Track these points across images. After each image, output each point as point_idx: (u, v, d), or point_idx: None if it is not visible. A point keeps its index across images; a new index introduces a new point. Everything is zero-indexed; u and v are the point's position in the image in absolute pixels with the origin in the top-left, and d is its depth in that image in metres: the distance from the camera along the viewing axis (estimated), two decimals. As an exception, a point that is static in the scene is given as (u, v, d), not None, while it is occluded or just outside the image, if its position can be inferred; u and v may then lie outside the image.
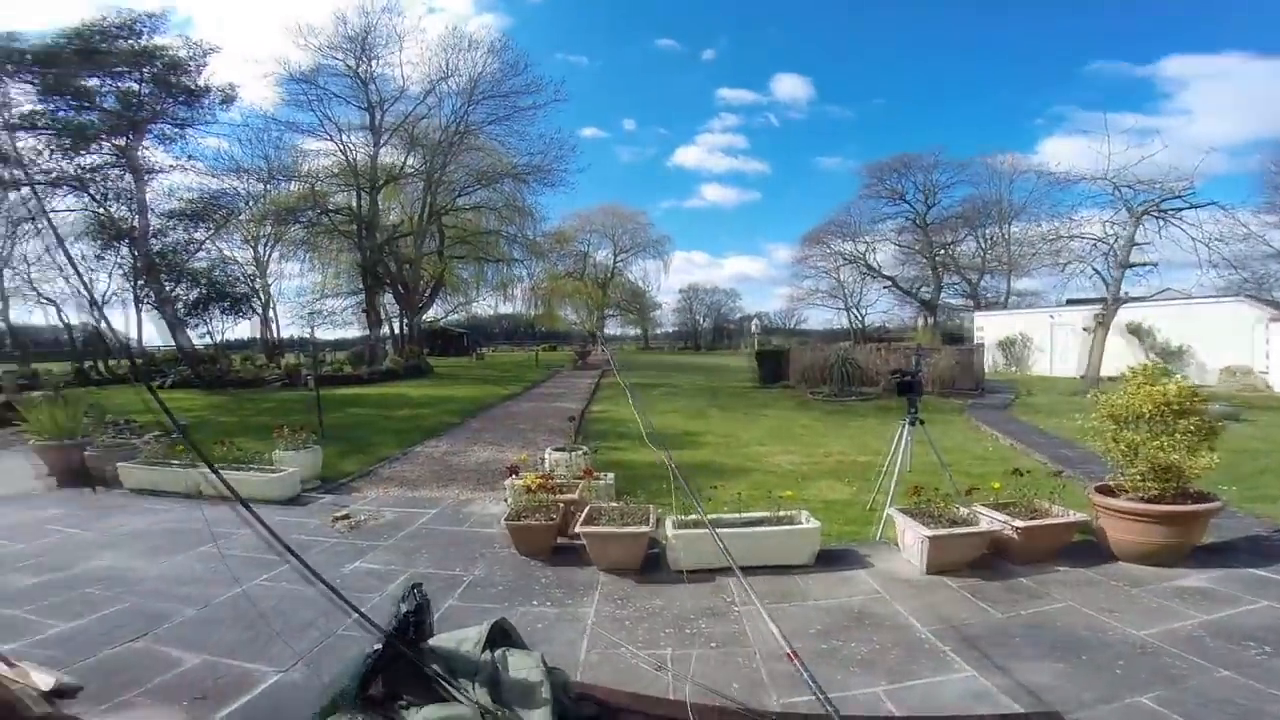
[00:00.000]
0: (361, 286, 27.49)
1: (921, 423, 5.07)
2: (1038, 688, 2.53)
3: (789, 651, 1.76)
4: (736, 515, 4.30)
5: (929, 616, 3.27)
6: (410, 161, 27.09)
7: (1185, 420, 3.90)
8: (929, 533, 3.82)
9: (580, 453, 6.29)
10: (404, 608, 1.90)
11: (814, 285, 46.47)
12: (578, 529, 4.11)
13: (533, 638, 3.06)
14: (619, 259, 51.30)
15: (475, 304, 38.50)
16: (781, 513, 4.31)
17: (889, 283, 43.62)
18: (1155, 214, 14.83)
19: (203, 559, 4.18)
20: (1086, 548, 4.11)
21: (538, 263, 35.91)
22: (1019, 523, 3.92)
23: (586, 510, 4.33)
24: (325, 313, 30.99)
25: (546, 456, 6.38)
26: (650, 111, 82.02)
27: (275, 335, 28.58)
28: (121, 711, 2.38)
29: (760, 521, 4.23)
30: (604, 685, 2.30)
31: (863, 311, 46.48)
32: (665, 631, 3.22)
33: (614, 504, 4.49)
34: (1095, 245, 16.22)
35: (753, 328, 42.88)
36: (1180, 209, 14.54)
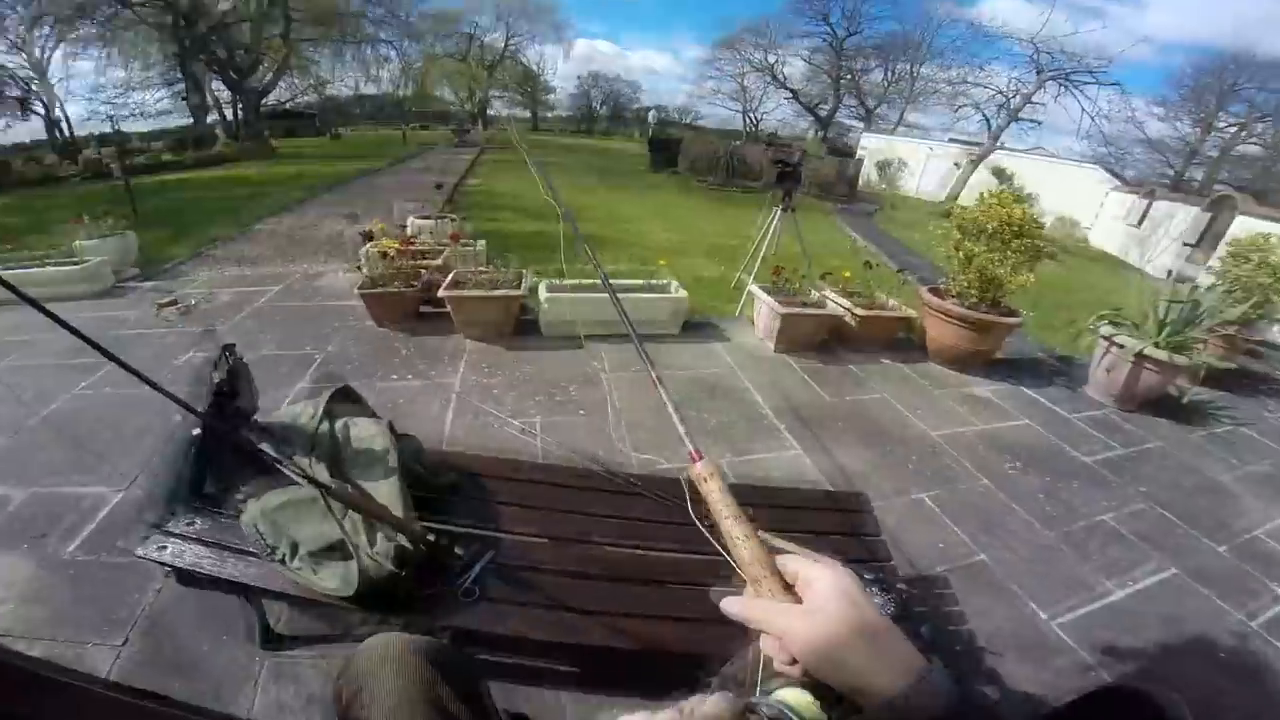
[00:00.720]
0: (180, 76, 22.21)
1: (793, 210, 5.19)
2: (850, 473, 2.93)
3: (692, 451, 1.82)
4: (612, 282, 4.27)
5: (772, 394, 3.63)
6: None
7: (1019, 240, 4.29)
8: (782, 310, 4.12)
9: (448, 220, 5.73)
10: (215, 377, 1.57)
11: (717, 86, 44.88)
12: (441, 292, 3.86)
13: (395, 412, 2.92)
14: (512, 42, 43.33)
15: (331, 86, 32.35)
16: (654, 281, 4.42)
17: (791, 95, 42.85)
18: (1061, 81, 15.23)
19: (6, 374, 3.39)
20: (908, 344, 4.67)
21: (412, 44, 30.91)
22: (860, 311, 4.34)
23: (452, 275, 4.06)
24: (133, 106, 25.29)
25: (409, 223, 5.75)
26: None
27: (68, 134, 21.95)
28: (-39, 570, 1.99)
29: (634, 290, 4.33)
30: (465, 452, 2.28)
31: (759, 117, 46.01)
32: (535, 399, 3.27)
33: (484, 269, 4.26)
34: (994, 95, 16.75)
35: (650, 118, 40.56)
36: (1086, 83, 15.07)
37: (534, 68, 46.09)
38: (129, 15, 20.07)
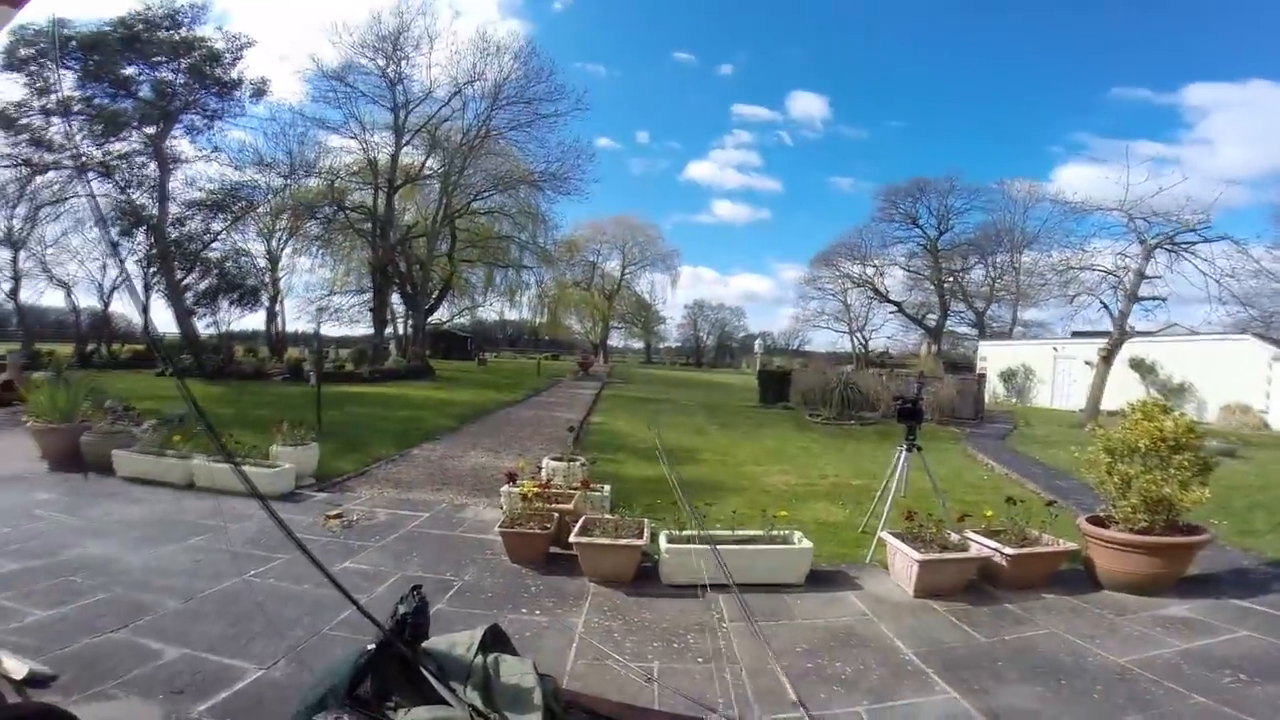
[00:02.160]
0: (371, 285, 27.71)
1: (919, 449, 5.10)
2: (1017, 712, 2.55)
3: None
4: (730, 532, 4.32)
5: (914, 639, 3.30)
6: (430, 163, 27.49)
7: (1180, 455, 3.93)
8: (919, 556, 3.86)
9: (578, 463, 6.32)
10: (402, 609, 1.90)
11: (820, 307, 46.15)
12: (572, 539, 4.14)
13: (522, 645, 3.06)
14: (627, 271, 51.51)
15: (482, 308, 39.18)
16: (775, 532, 4.34)
17: (895, 308, 43.39)
18: (1168, 247, 14.48)
19: (190, 551, 4.20)
20: (1074, 576, 4.14)
21: (547, 270, 36.52)
22: (1009, 550, 3.96)
23: (581, 521, 4.36)
24: (333, 309, 31.53)
25: (544, 465, 6.42)
26: (665, 124, 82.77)
27: (281, 329, 28.81)
28: (97, 702, 2.37)
29: (754, 540, 4.26)
30: (592, 694, 2.33)
31: (867, 335, 45.97)
32: (654, 644, 3.24)
33: (609, 516, 4.53)
34: (1105, 277, 15.83)
35: (756, 347, 43.07)
36: (1193, 243, 14.13)
37: (646, 297, 51.88)
38: (343, 218, 25.54)
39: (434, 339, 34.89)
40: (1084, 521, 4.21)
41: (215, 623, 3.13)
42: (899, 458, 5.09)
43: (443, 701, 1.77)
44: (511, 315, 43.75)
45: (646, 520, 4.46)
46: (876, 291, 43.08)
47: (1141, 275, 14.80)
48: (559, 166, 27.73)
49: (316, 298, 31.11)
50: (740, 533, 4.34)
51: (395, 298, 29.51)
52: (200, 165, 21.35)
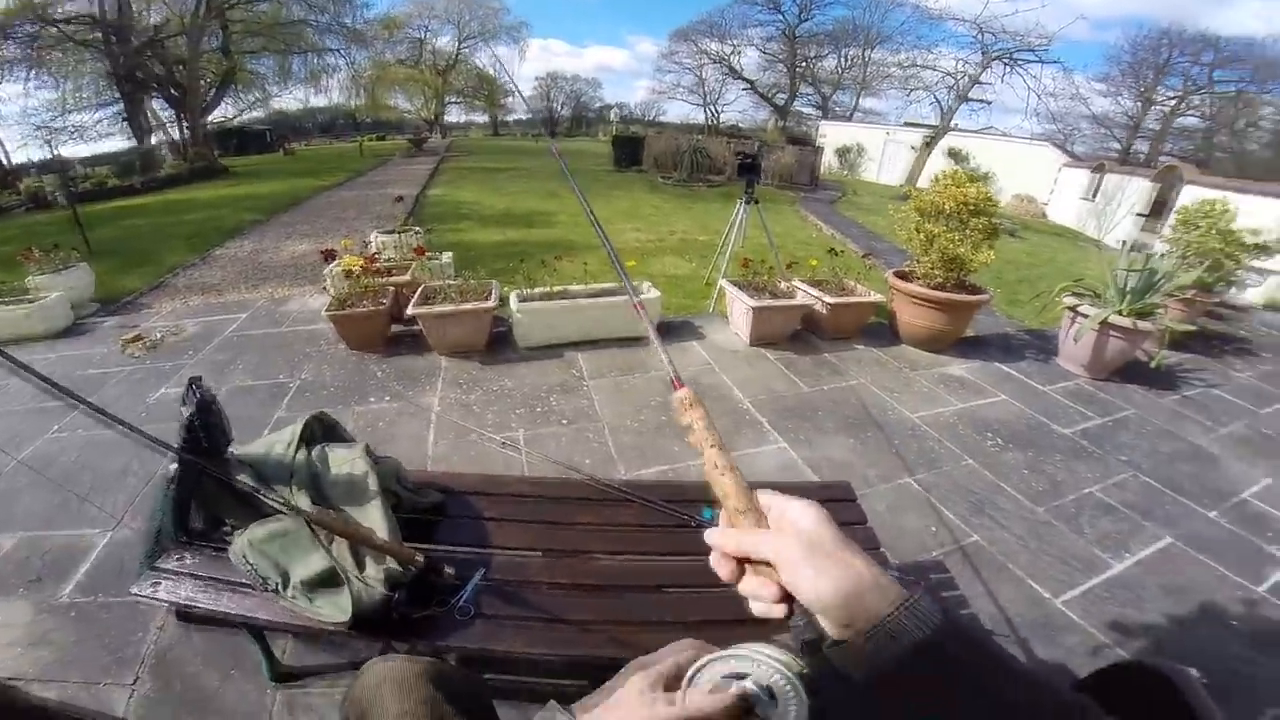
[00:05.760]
0: (120, 95, 21.83)
1: (757, 202, 5.21)
2: (834, 463, 2.90)
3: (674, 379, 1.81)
4: (583, 287, 4.35)
5: (751, 388, 3.65)
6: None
7: (977, 219, 4.38)
8: (753, 303, 4.16)
9: (412, 233, 5.65)
10: (185, 412, 1.52)
11: (676, 80, 45.87)
12: (410, 310, 3.82)
13: (376, 435, 2.94)
14: (464, 45, 43.41)
15: (278, 100, 32.11)
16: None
17: (748, 86, 43.90)
18: (1006, 61, 15.76)
19: None
20: (880, 329, 4.76)
21: (360, 50, 30.86)
22: (829, 299, 4.38)
23: (420, 290, 4.02)
24: (71, 129, 24.56)
25: (372, 239, 5.66)
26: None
27: (4, 161, 21.09)
28: (-38, 620, 1.95)
29: (605, 294, 4.31)
30: (450, 471, 2.25)
31: (719, 110, 47.12)
32: (516, 412, 3.25)
33: (451, 282, 4.21)
34: (943, 78, 17.41)
35: (611, 116, 41.17)
36: (1030, 61, 15.68)
37: (490, 70, 45.83)
38: (54, 33, 19.11)
39: (221, 137, 28.30)
40: (891, 275, 4.69)
41: (38, 495, 2.58)
42: (738, 211, 5.24)
43: (271, 509, 1.53)
44: (320, 101, 36.24)
45: (495, 282, 4.23)
46: (732, 70, 43.07)
47: (975, 80, 16.29)
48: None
49: (46, 121, 23.77)
50: (593, 287, 4.39)
51: (159, 104, 23.39)
52: None
